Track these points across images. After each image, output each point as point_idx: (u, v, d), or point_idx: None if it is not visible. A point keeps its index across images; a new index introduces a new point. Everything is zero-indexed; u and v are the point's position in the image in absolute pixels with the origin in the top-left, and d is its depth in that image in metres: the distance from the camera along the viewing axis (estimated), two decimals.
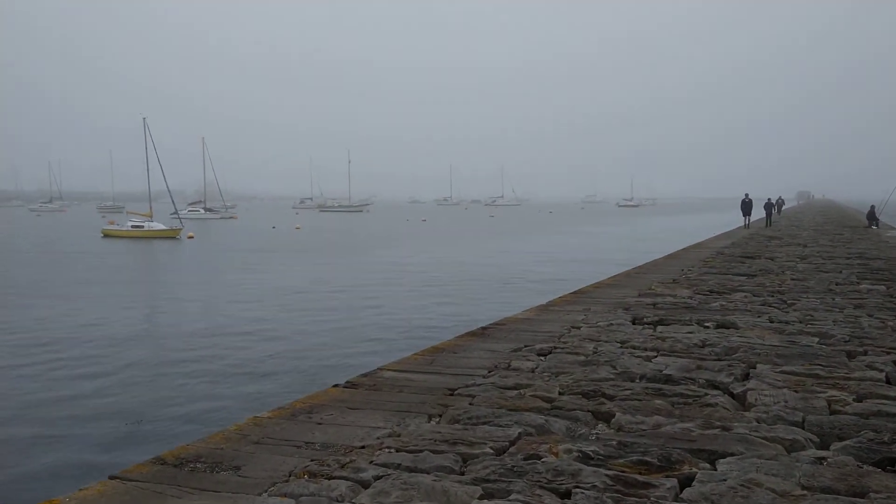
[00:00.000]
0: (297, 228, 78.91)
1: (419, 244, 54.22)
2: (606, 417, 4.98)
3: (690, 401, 5.35)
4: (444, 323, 19.15)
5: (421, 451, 4.22)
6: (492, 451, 4.24)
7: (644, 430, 4.66)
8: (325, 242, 56.37)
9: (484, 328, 8.64)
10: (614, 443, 4.36)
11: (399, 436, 4.56)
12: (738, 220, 39.07)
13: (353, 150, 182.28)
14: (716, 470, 3.99)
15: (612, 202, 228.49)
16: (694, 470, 3.96)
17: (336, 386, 5.95)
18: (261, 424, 4.85)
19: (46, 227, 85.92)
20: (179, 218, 67.45)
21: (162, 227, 62.56)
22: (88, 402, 12.21)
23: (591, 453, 4.14)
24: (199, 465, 4.05)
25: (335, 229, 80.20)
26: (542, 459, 4.09)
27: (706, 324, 8.68)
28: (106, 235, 62.53)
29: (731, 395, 5.59)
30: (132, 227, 62.40)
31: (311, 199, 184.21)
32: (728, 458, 4.13)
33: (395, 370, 6.46)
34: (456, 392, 5.66)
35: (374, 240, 60.46)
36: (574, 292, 12.16)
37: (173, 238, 60.08)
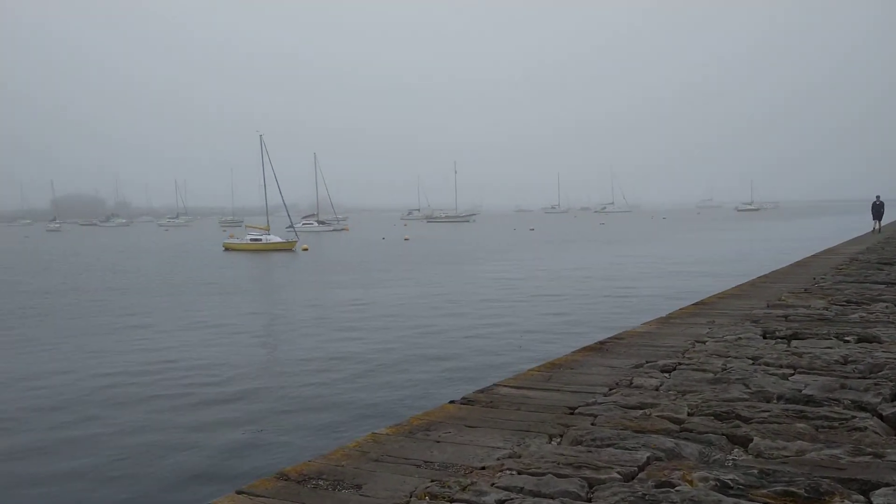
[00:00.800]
0: (406, 239, 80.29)
1: (528, 254, 53.87)
2: (743, 442, 4.65)
3: (836, 424, 4.93)
4: (558, 336, 18.83)
5: (544, 474, 4.07)
6: (619, 477, 4.03)
7: (786, 456, 4.32)
8: (432, 252, 57.00)
9: (602, 342, 8.37)
10: (755, 471, 4.05)
11: (520, 457, 4.43)
12: (862, 223, 36.57)
13: (460, 160, 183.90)
14: (870, 502, 3.63)
15: (730, 206, 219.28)
16: (846, 502, 3.62)
17: (452, 402, 5.89)
18: (379, 441, 4.84)
19: (173, 240, 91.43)
20: (294, 231, 70.22)
21: (278, 239, 65.25)
22: (212, 410, 12.75)
23: (729, 482, 3.87)
24: (321, 483, 4.08)
25: (442, 239, 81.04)
26: (676, 488, 3.85)
27: (846, 338, 8.05)
28: (227, 249, 65.83)
29: (881, 417, 5.12)
30: (251, 240, 65.43)
31: (418, 210, 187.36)
32: (883, 489, 3.75)
33: (511, 386, 6.33)
34: (576, 411, 5.47)
35: (481, 250, 60.60)
36: (696, 304, 11.63)
37: (289, 250, 62.49)
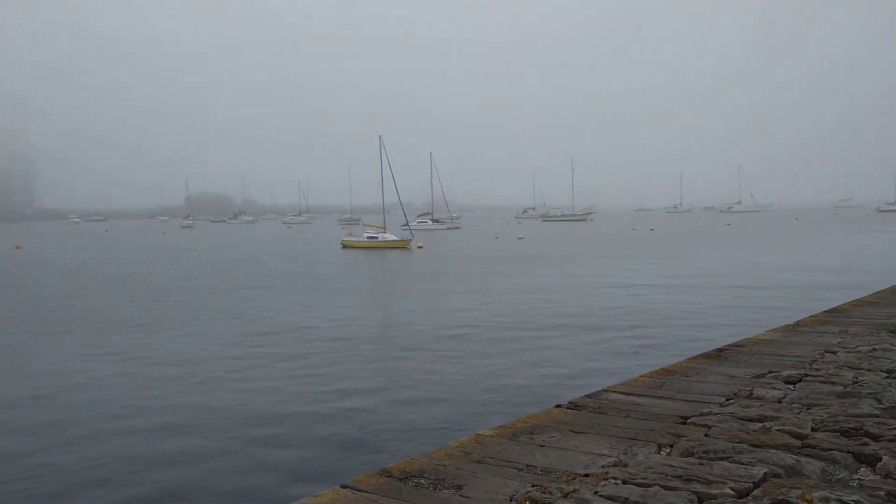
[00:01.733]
0: (520, 238, 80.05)
1: (646, 254, 52.40)
2: (871, 461, 4.34)
3: None
4: (673, 342, 18.21)
5: (650, 485, 3.95)
6: (732, 493, 3.86)
7: None
8: (546, 252, 56.53)
9: (720, 349, 8.03)
10: (881, 492, 3.77)
11: (626, 466, 4.32)
12: None
13: (577, 158, 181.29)
14: None
15: (870, 206, 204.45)
16: None
17: (558, 406, 5.83)
18: (482, 443, 4.86)
19: (296, 237, 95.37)
20: (410, 229, 71.57)
21: (394, 238, 66.72)
22: (319, 404, 13.19)
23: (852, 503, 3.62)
24: (422, 481, 4.14)
25: (557, 238, 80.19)
26: None
27: None
28: (345, 246, 67.99)
29: None
30: (368, 237, 67.25)
31: (533, 208, 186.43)
32: None
33: (621, 392, 6.19)
34: (689, 421, 5.28)
35: (596, 250, 59.52)
36: (828, 311, 10.93)
37: (405, 248, 63.78)
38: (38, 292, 33.14)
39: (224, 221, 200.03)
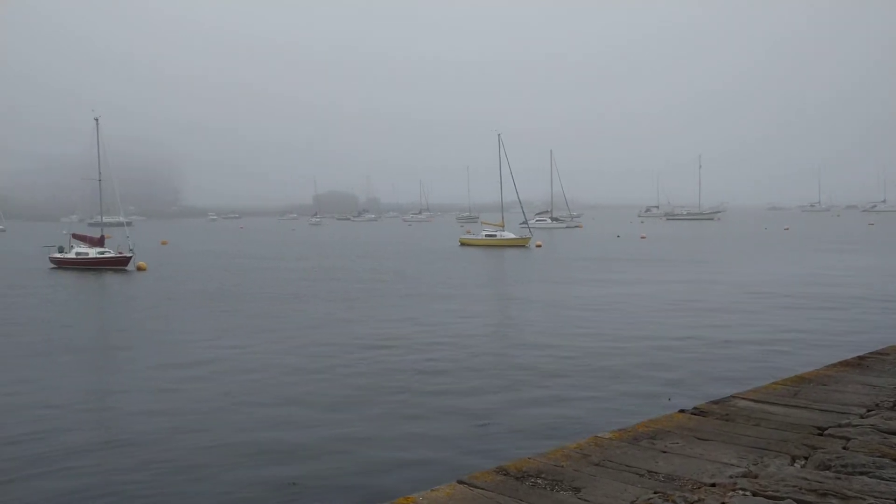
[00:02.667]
0: (643, 238, 77.90)
1: (779, 255, 49.67)
2: None
3: None
4: (808, 348, 17.16)
5: (782, 498, 3.73)
6: None
7: None
8: (671, 252, 54.69)
9: (861, 357, 7.48)
10: None
11: (756, 477, 4.10)
12: None
13: (705, 154, 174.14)
14: None
15: None
16: None
17: (682, 412, 5.62)
18: (601, 445, 4.75)
19: (415, 235, 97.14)
20: (528, 227, 71.21)
21: (512, 236, 66.59)
22: (440, 399, 13.36)
23: None
24: (539, 481, 4.10)
25: (683, 238, 77.41)
26: None
27: None
28: (463, 244, 68.53)
29: None
30: (486, 235, 67.48)
31: (657, 206, 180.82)
32: None
33: (750, 399, 5.88)
34: (826, 432, 4.95)
35: (724, 250, 56.98)
36: None
37: (523, 247, 63.54)
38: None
39: (349, 219, 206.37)
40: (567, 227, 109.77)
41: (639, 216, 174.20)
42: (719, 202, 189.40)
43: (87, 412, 13.26)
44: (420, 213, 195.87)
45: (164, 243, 79.72)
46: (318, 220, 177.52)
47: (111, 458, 10.51)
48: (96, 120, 49.82)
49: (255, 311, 25.61)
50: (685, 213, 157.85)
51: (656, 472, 4.23)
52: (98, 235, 48.33)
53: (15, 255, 61.99)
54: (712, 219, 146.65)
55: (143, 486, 9.46)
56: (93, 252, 46.48)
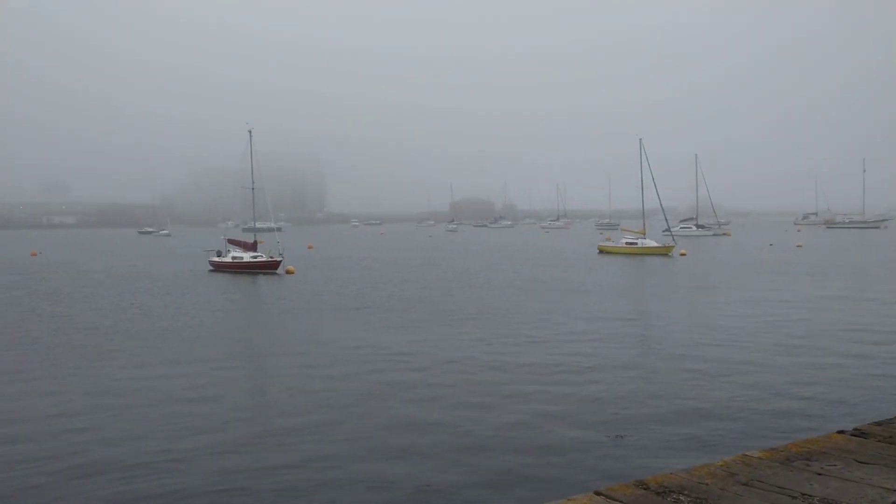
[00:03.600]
0: (799, 246, 73.19)
1: None
2: None
3: None
4: None
5: None
6: None
7: None
8: (831, 263, 51.02)
9: None
10: None
11: None
12: None
13: (869, 157, 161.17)
14: None
15: None
16: None
17: (841, 433, 5.24)
18: (750, 464, 4.53)
19: (553, 242, 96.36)
20: (672, 235, 68.77)
21: (654, 244, 64.59)
22: (576, 408, 13.17)
23: None
24: (681, 498, 3.97)
25: (845, 248, 71.98)
26: None
27: None
28: (601, 251, 67.20)
29: None
30: (626, 243, 65.86)
31: (815, 214, 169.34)
32: None
33: None
34: None
35: (891, 262, 52.43)
36: None
37: (665, 255, 61.48)
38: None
39: (485, 226, 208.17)
40: (714, 235, 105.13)
41: (794, 224, 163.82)
42: (889, 208, 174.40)
43: (243, 409, 14.17)
44: (557, 219, 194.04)
45: (310, 248, 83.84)
46: (454, 226, 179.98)
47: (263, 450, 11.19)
48: (250, 132, 53.36)
49: (395, 315, 26.39)
50: (847, 220, 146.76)
51: (811, 496, 3.98)
52: (251, 240, 51.74)
53: (179, 257, 67.37)
54: (878, 227, 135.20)
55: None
56: (247, 256, 49.68)
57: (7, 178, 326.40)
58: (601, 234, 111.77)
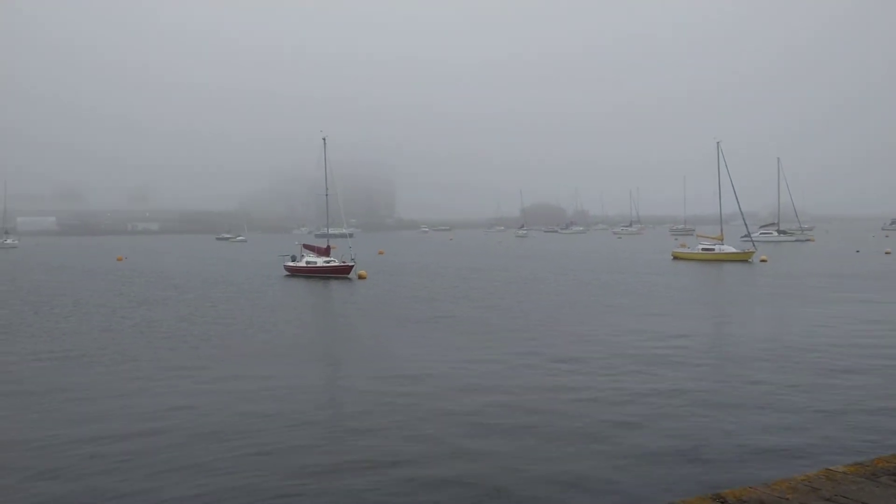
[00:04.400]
0: (888, 253, 69.91)
1: None
2: None
3: None
4: None
5: None
6: None
7: None
8: None
9: None
10: None
11: None
12: None
13: None
14: None
15: None
16: None
17: None
18: (834, 479, 4.44)
19: (626, 248, 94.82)
20: (751, 240, 66.72)
21: (733, 250, 62.79)
22: (649, 415, 12.98)
23: None
24: None
25: None
26: None
27: None
28: (676, 258, 65.72)
29: None
30: (702, 249, 64.25)
31: None
32: None
33: None
34: None
35: None
36: None
37: (745, 262, 59.71)
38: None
39: (556, 231, 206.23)
40: (796, 241, 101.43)
41: (882, 229, 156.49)
42: None
43: (320, 409, 14.54)
44: (630, 224, 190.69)
45: (380, 253, 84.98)
46: (524, 232, 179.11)
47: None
48: (324, 140, 54.65)
49: (463, 322, 26.53)
50: None
51: None
52: (325, 246, 53.01)
53: (256, 263, 69.37)
54: None
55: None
56: (320, 261, 50.88)
57: (96, 185, 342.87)
58: (675, 239, 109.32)
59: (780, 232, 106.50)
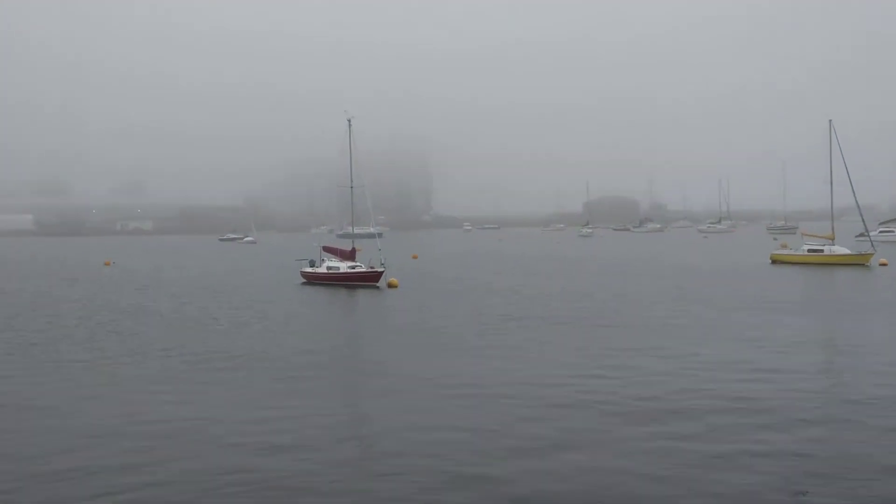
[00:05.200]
0: None
1: None
2: None
3: None
4: None
5: None
6: None
7: None
8: None
9: None
10: None
11: None
12: None
13: None
14: None
15: None
16: None
17: None
18: None
19: (713, 249, 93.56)
20: (870, 240, 65.20)
21: (846, 251, 61.46)
22: (749, 454, 12.74)
23: None
24: None
25: None
26: None
27: None
28: (775, 261, 64.51)
29: None
30: (808, 251, 63.04)
31: None
32: None
33: None
34: None
35: None
36: None
37: (862, 265, 58.39)
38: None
39: (627, 230, 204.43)
40: None
41: None
42: None
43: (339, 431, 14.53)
44: (719, 221, 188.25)
45: (414, 257, 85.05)
46: (589, 230, 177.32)
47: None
48: (349, 121, 54.37)
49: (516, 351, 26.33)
50: None
51: None
52: (349, 248, 52.30)
53: (267, 268, 69.98)
54: None
55: None
56: (343, 266, 50.42)
57: (80, 175, 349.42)
58: (774, 239, 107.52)
59: None
